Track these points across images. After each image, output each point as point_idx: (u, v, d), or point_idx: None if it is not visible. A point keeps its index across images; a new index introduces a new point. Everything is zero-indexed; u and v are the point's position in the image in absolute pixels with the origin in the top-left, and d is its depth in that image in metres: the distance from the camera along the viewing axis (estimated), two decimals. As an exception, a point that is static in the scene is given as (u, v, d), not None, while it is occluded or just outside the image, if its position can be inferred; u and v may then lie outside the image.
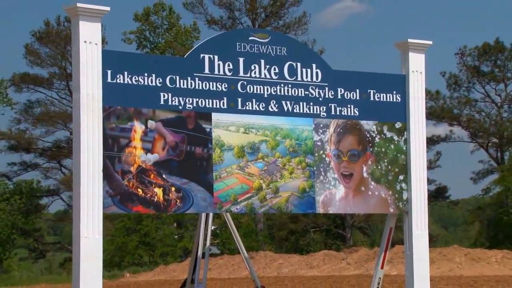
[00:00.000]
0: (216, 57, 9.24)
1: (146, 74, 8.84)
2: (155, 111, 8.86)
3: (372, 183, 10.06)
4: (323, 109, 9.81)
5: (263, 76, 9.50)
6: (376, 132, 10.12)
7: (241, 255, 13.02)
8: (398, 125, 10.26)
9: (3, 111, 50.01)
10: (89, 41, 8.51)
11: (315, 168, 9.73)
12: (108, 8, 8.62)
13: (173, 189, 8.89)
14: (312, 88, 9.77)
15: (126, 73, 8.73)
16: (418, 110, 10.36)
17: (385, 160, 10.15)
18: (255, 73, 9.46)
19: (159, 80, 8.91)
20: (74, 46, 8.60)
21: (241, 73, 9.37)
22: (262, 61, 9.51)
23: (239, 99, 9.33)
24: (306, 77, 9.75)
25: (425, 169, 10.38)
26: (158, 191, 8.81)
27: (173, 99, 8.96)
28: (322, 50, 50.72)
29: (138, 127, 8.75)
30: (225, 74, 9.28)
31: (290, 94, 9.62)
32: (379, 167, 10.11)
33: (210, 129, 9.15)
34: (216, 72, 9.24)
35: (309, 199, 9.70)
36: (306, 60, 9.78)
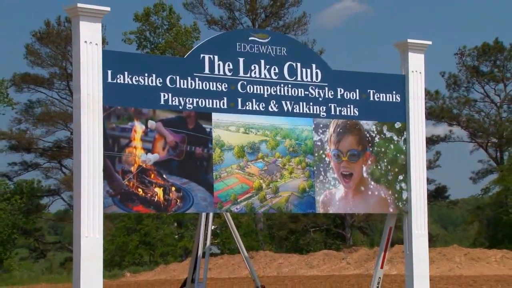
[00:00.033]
0: (216, 57, 9.26)
1: (146, 74, 8.87)
2: (155, 111, 8.88)
3: (372, 183, 10.08)
4: (323, 109, 9.83)
5: (263, 76, 9.52)
6: (375, 132, 10.15)
7: (241, 254, 13.04)
8: (397, 125, 10.28)
9: (3, 111, 50.09)
10: (90, 41, 8.53)
11: (315, 168, 9.75)
12: (108, 9, 8.64)
13: (173, 189, 8.91)
14: (312, 88, 9.79)
15: (126, 73, 8.75)
16: (417, 110, 10.38)
17: (385, 160, 10.17)
18: (255, 73, 9.48)
19: (159, 80, 8.93)
20: (74, 46, 8.62)
21: (241, 73, 9.40)
22: (262, 61, 9.53)
23: (239, 99, 9.35)
24: (306, 77, 9.77)
25: (425, 169, 10.40)
26: (159, 191, 8.83)
27: (173, 99, 8.98)
28: (322, 50, 50.83)
29: (139, 127, 8.78)
30: (225, 74, 9.30)
31: (290, 94, 9.64)
32: (379, 167, 10.14)
33: (210, 129, 9.18)
34: (216, 72, 9.26)
35: (309, 199, 9.73)
36: (306, 60, 9.80)
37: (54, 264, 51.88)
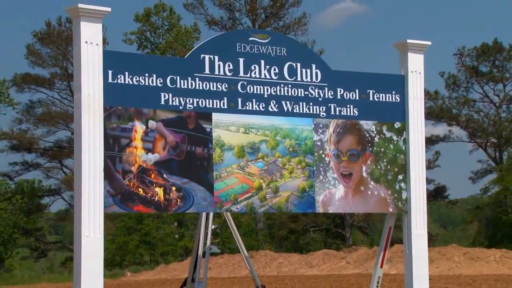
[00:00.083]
0: (216, 57, 9.29)
1: (146, 75, 8.89)
2: (156, 111, 8.92)
3: (372, 182, 10.11)
4: (322, 109, 9.86)
5: (263, 76, 9.55)
6: (375, 132, 10.18)
7: (241, 254, 13.07)
8: (397, 125, 10.31)
9: (5, 111, 50.12)
10: (90, 41, 8.56)
11: (314, 167, 9.79)
12: (109, 9, 8.67)
13: (173, 188, 8.94)
14: (311, 88, 9.82)
15: (127, 73, 8.78)
16: (417, 110, 10.40)
17: (385, 160, 10.20)
18: (255, 73, 9.51)
19: (159, 80, 8.96)
20: (75, 47, 8.65)
21: (241, 74, 9.43)
22: (262, 62, 9.56)
23: (239, 99, 9.38)
24: (306, 78, 9.80)
25: (424, 168, 10.43)
26: (159, 191, 8.86)
27: (174, 99, 9.01)
28: (322, 50, 50.88)
29: (139, 127, 8.81)
30: (225, 74, 9.33)
31: (290, 94, 9.67)
32: (379, 166, 10.17)
33: (211, 129, 9.21)
34: (217, 72, 9.29)
35: (309, 199, 9.76)
36: (306, 61, 9.83)
37: (55, 264, 51.92)
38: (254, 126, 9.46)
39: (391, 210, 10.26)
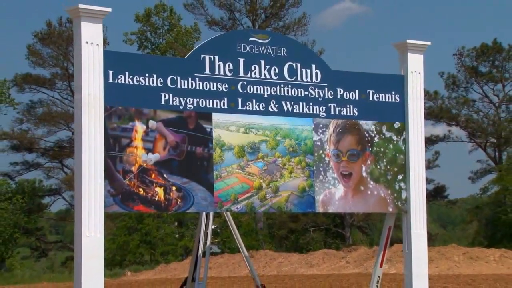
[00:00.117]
0: (216, 57, 9.32)
1: (147, 75, 8.92)
2: (156, 111, 8.94)
3: (371, 182, 10.13)
4: (322, 109, 9.88)
5: (263, 76, 9.58)
6: (375, 132, 10.20)
7: (241, 254, 13.08)
8: (397, 125, 10.34)
9: (5, 111, 50.10)
10: (91, 41, 8.58)
11: (314, 167, 9.81)
12: (109, 9, 8.69)
13: (174, 188, 8.97)
14: (311, 89, 9.85)
15: (127, 73, 8.80)
16: (416, 110, 10.42)
17: (384, 160, 10.23)
18: (255, 73, 9.53)
19: (160, 80, 8.99)
20: (76, 47, 8.67)
21: (241, 74, 9.45)
22: (262, 62, 9.58)
23: (239, 99, 9.41)
24: (306, 78, 9.82)
25: (424, 168, 10.45)
26: (159, 191, 8.88)
27: (174, 99, 9.04)
28: (322, 50, 50.86)
29: (139, 127, 8.83)
30: (225, 74, 9.36)
31: (290, 94, 9.70)
32: (378, 166, 10.19)
33: (211, 129, 9.23)
34: (217, 72, 9.31)
35: (309, 199, 9.78)
36: (306, 61, 9.85)
37: (55, 263, 51.94)
38: (254, 126, 9.49)
39: (390, 210, 10.28)
